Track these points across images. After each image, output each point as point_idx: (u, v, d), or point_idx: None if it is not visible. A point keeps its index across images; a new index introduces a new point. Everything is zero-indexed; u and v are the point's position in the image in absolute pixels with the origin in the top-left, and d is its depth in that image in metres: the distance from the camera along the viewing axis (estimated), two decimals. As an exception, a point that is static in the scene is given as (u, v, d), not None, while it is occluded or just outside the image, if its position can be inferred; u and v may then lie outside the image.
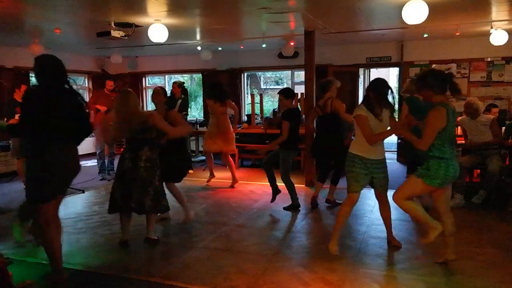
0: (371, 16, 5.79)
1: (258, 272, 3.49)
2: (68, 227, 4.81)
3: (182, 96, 7.70)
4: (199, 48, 8.37)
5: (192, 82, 15.21)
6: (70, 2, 4.82)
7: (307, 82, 6.58)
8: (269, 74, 15.57)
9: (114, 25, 5.53)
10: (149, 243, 4.17)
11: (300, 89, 8.07)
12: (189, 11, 5.37)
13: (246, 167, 8.47)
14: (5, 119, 6.44)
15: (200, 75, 10.63)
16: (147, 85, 11.15)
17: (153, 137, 4.05)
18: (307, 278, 3.36)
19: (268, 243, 4.23)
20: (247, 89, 10.33)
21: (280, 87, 16.34)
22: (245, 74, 10.03)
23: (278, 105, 5.57)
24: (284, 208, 5.38)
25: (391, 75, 18.70)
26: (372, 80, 3.82)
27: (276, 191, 5.47)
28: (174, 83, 7.75)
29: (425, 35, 7.18)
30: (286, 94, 5.27)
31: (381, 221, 4.59)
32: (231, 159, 6.81)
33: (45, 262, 3.78)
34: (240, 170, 7.99)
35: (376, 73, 9.76)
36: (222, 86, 6.65)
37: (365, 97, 3.73)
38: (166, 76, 10.99)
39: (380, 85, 3.65)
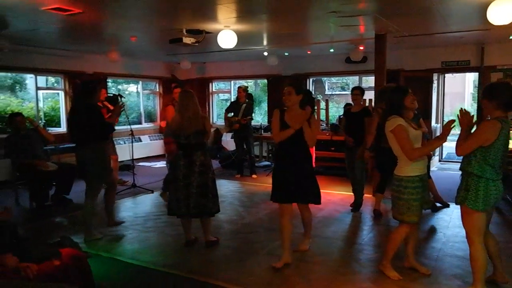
0: (450, 17, 5.43)
1: (323, 283, 3.38)
2: (138, 225, 5.02)
3: (247, 100, 7.75)
4: (265, 53, 8.41)
5: (256, 87, 15.36)
6: (146, 11, 5.05)
7: (377, 88, 6.32)
8: (334, 79, 15.28)
9: (186, 32, 5.71)
10: (210, 245, 4.23)
11: (368, 95, 7.78)
12: (257, 16, 5.40)
13: (309, 173, 8.31)
14: None
15: (264, 81, 10.69)
16: (213, 90, 11.44)
17: (205, 141, 4.12)
18: (376, 294, 3.18)
19: (334, 254, 4.09)
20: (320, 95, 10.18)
21: (347, 93, 15.97)
22: (311, 80, 9.91)
23: (355, 101, 5.46)
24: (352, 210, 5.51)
25: (468, 81, 17.56)
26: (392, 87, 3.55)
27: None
28: (239, 87, 7.84)
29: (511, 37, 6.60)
30: (362, 91, 5.49)
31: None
32: None
33: (118, 258, 3.98)
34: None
35: (451, 78, 9.16)
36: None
37: (392, 105, 3.33)
38: (232, 82, 11.18)
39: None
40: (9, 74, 8.90)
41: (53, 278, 1.98)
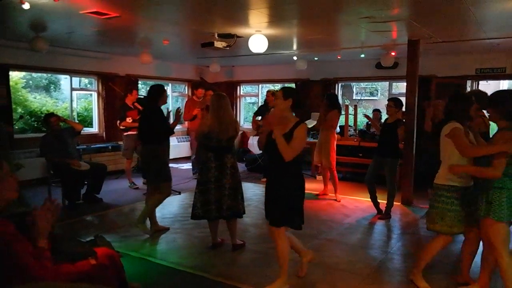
0: (486, 23, 5.27)
1: (350, 292, 3.34)
2: (166, 226, 5.09)
3: None
4: (295, 58, 8.39)
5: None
6: (180, 15, 5.13)
7: (408, 94, 6.20)
8: (363, 84, 15.08)
9: (217, 36, 5.77)
10: (236, 248, 4.26)
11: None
12: (289, 21, 5.40)
13: (336, 179, 8.21)
14: (118, 122, 7.09)
15: (292, 85, 10.66)
16: (241, 93, 11.51)
17: (233, 144, 4.20)
18: (405, 305, 3.12)
19: (362, 262, 4.03)
20: (341, 100, 10.08)
21: (376, 98, 15.76)
22: (339, 84, 9.82)
23: (387, 113, 5.50)
24: (380, 218, 5.47)
25: (502, 88, 16.98)
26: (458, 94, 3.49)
27: (379, 210, 5.61)
28: (268, 91, 7.85)
29: (552, 44, 6.35)
30: (397, 103, 5.42)
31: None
32: (328, 173, 6.73)
33: (148, 258, 4.05)
34: (329, 182, 7.81)
35: (486, 85, 8.87)
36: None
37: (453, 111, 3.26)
38: (260, 85, 11.22)
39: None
40: (44, 75, 9.22)
41: (89, 277, 2.04)
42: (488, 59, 7.78)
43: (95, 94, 8.73)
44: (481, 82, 8.85)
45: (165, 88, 4.83)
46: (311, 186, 7.45)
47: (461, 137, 3.05)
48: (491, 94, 3.06)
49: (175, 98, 11.22)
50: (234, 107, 11.16)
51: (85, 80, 9.46)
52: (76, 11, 4.60)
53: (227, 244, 4.36)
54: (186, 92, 11.08)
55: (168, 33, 6.14)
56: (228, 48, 5.95)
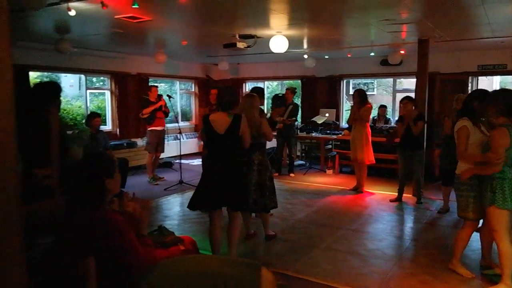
0: (496, 24, 5.58)
1: (386, 275, 3.65)
2: (195, 219, 5.32)
3: (294, 102, 7.96)
4: (305, 56, 8.64)
5: (282, 87, 15.58)
6: (205, 17, 5.33)
7: (419, 90, 6.52)
8: (362, 80, 15.40)
9: (238, 37, 5.99)
10: (269, 239, 4.55)
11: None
12: (308, 23, 5.64)
13: (345, 173, 8.54)
14: (141, 113, 7.38)
15: (291, 81, 10.94)
16: (246, 90, 11.73)
17: (263, 142, 4.39)
18: (438, 287, 3.43)
19: (389, 249, 4.35)
20: (346, 96, 10.34)
21: (373, 93, 16.11)
22: (344, 81, 10.11)
23: (405, 110, 5.96)
24: (391, 200, 6.16)
25: (495, 82, 17.49)
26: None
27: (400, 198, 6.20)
28: (287, 89, 8.11)
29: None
30: (413, 100, 6.05)
31: None
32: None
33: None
34: (339, 176, 8.15)
35: (486, 81, 9.26)
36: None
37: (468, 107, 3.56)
38: (266, 82, 11.46)
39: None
40: (45, 73, 9.24)
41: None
42: (489, 56, 8.12)
43: (108, 93, 8.89)
44: (480, 78, 9.23)
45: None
46: (324, 180, 7.76)
47: (461, 138, 3.38)
48: (489, 93, 3.42)
49: (180, 95, 11.41)
50: (241, 104, 11.36)
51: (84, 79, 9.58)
52: (112, 16, 4.79)
53: (260, 235, 4.64)
54: (193, 90, 11.27)
55: (190, 34, 6.34)
56: (248, 48, 6.18)
